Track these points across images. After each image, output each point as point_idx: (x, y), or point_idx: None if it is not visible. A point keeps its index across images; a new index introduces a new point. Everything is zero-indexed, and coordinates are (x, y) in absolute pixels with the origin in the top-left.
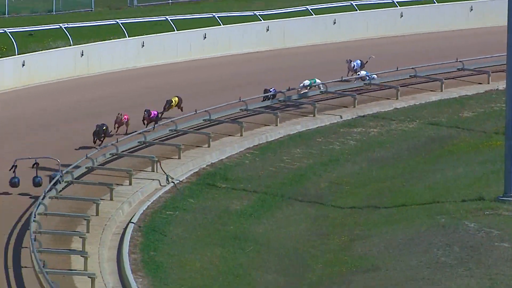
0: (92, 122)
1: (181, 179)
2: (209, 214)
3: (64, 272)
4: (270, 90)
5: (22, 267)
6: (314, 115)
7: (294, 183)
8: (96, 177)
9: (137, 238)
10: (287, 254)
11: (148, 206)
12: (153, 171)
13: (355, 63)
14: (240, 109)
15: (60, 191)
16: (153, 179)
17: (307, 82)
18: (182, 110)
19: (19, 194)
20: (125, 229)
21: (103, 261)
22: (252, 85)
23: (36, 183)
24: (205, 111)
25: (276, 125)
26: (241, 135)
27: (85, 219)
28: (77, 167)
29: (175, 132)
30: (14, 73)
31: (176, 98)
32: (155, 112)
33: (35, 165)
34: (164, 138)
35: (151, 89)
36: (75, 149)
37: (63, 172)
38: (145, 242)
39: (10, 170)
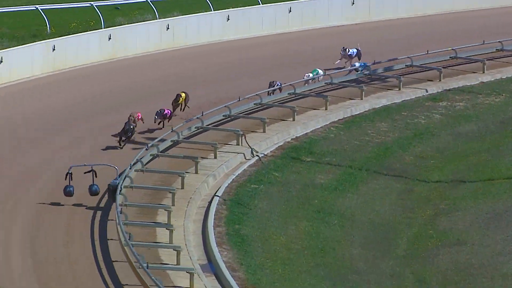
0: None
1: (265, 153)
2: (293, 188)
3: (150, 245)
4: (275, 83)
5: (108, 239)
6: (399, 89)
7: (379, 157)
8: (181, 150)
9: (222, 211)
10: (372, 228)
11: (233, 179)
12: (237, 144)
13: (351, 51)
14: (325, 83)
15: (146, 164)
16: (238, 153)
17: (310, 75)
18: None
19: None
20: (210, 202)
21: (188, 234)
22: (339, 58)
23: (93, 192)
24: (290, 84)
25: (361, 99)
26: (326, 109)
27: (170, 192)
28: (162, 140)
29: (259, 105)
30: (100, 47)
31: (184, 94)
32: (169, 111)
33: (92, 173)
34: (249, 111)
35: (233, 63)
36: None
37: (149, 145)
38: (229, 216)
39: (66, 178)
